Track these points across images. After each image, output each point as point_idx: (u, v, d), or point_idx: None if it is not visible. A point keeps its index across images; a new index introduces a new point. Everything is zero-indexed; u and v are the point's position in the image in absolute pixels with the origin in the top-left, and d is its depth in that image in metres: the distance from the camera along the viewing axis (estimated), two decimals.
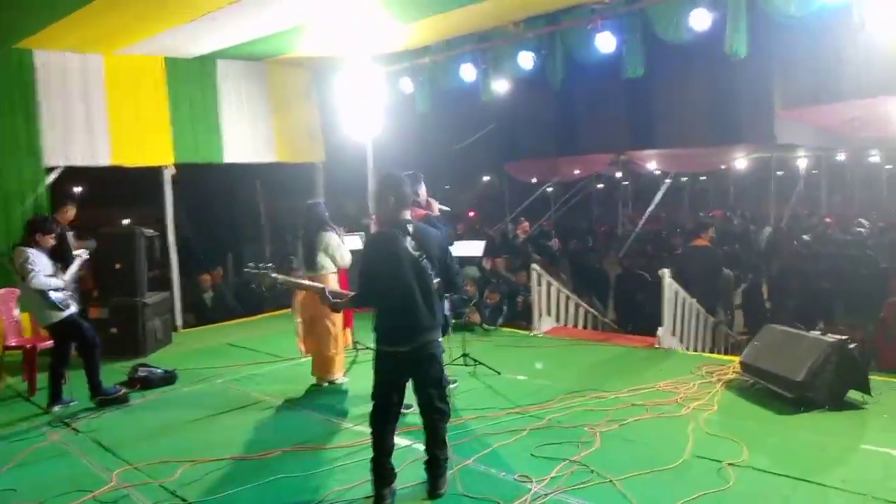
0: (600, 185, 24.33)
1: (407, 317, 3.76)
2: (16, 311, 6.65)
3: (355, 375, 6.53)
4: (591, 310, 9.18)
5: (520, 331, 8.31)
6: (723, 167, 19.61)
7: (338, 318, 6.12)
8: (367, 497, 3.86)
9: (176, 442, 4.97)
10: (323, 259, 6.03)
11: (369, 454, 3.91)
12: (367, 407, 5.22)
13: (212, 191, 14.36)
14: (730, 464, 4.14)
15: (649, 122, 16.08)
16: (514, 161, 19.02)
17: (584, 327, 8.97)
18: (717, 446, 4.45)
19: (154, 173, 9.15)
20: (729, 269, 9.17)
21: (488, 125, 16.04)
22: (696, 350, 7.79)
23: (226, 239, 14.29)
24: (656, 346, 7.19)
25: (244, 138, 9.60)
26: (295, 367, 6.78)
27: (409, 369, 3.84)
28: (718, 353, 8.11)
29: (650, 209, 17.64)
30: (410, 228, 3.84)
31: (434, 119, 10.86)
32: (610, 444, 4.56)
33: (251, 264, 4.75)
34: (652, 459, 4.26)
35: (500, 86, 8.65)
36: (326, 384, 6.20)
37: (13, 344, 6.42)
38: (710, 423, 4.88)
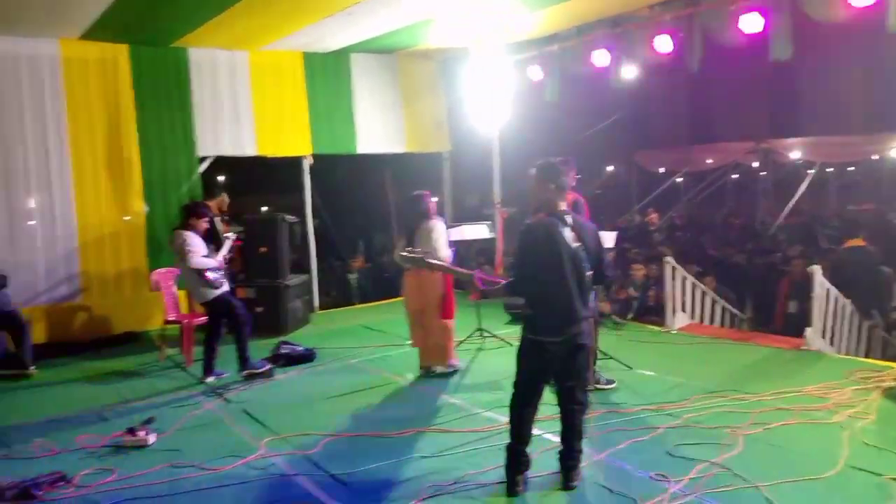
0: (735, 176, 22.94)
1: (562, 307, 3.73)
2: (174, 289, 7.28)
3: (482, 363, 6.59)
4: (730, 307, 8.69)
5: (651, 326, 8.04)
6: (875, 157, 17.92)
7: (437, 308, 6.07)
8: (500, 482, 3.88)
9: (316, 416, 5.24)
10: (442, 246, 5.96)
11: (501, 440, 3.93)
12: (497, 394, 5.33)
13: (344, 180, 14.96)
14: (892, 478, 3.80)
15: (794, 109, 14.97)
16: (644, 149, 18.38)
17: (722, 325, 8.53)
18: (876, 458, 4.10)
19: (292, 163, 9.57)
20: (887, 266, 8.38)
21: (617, 113, 15.58)
22: (848, 354, 7.20)
23: (357, 226, 14.85)
24: (803, 347, 6.71)
25: (376, 129, 9.87)
26: None
27: (558, 360, 3.80)
28: (874, 357, 7.45)
29: (792, 202, 16.43)
30: (569, 220, 3.80)
31: (562, 107, 10.65)
32: (754, 449, 4.31)
33: (408, 248, 4.91)
34: (801, 467, 3.99)
35: (632, 72, 8.34)
36: (439, 370, 6.18)
37: (172, 318, 7.01)
38: (867, 433, 4.50)
